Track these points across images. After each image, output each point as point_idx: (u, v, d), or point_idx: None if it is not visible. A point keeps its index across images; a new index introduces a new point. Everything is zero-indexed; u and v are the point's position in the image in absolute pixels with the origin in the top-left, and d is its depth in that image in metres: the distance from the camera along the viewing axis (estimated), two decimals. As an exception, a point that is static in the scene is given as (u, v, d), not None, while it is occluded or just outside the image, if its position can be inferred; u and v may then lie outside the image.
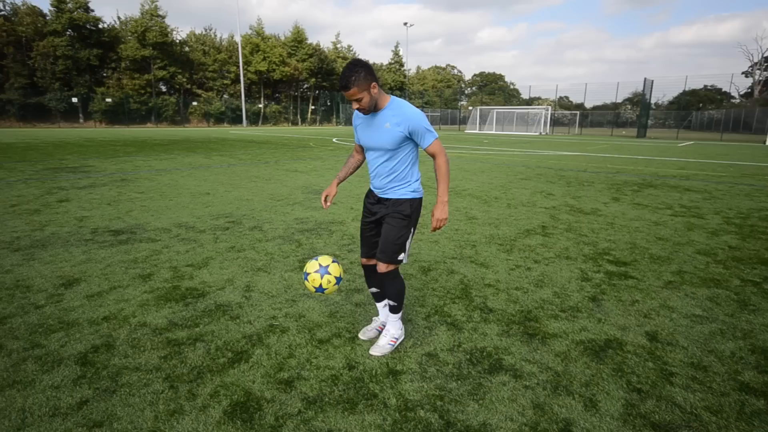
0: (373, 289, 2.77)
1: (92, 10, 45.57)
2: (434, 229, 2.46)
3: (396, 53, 71.12)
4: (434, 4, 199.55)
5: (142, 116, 48.33)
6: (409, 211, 2.49)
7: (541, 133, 40.68)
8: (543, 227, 5.50)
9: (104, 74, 48.05)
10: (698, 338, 2.77)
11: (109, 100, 45.34)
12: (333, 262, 2.54)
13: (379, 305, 2.80)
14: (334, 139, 25.32)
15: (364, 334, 2.75)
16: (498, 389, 2.24)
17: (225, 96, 55.02)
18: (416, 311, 3.12)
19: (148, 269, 3.86)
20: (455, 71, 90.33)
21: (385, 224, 2.51)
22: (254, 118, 55.22)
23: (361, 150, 2.71)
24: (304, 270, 2.54)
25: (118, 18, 55.77)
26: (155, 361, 2.44)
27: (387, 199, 2.52)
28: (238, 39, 51.55)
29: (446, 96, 71.07)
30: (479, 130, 45.45)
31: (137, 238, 4.82)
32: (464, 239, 4.93)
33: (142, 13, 48.20)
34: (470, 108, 54.96)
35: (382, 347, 2.59)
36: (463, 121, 52.83)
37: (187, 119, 51.57)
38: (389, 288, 2.58)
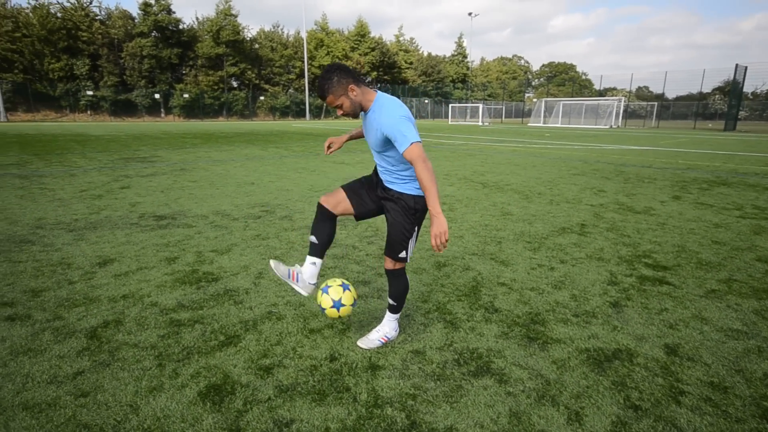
0: (313, 239, 2.47)
1: (174, 12, 49.09)
2: (436, 248, 2.07)
3: (459, 44, 69.64)
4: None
5: (215, 110, 51.44)
6: (413, 204, 2.34)
7: (611, 126, 38.03)
8: (582, 225, 5.13)
9: (183, 72, 51.61)
10: (727, 355, 2.44)
11: (186, 95, 48.74)
12: (344, 290, 2.45)
13: (310, 259, 2.47)
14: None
15: (275, 264, 2.41)
16: (477, 393, 2.12)
17: (290, 90, 57.02)
18: (417, 307, 3.03)
19: (175, 253, 4.09)
20: (522, 62, 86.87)
21: (390, 218, 2.40)
22: (317, 112, 56.76)
23: None
24: (318, 303, 2.46)
25: (196, 18, 59.61)
26: (153, 339, 2.58)
27: (391, 190, 2.40)
28: (303, 35, 53.12)
29: (511, 88, 68.57)
30: (543, 123, 43.40)
31: (176, 223, 5.13)
32: (491, 235, 4.72)
33: (217, 13, 51.13)
34: (535, 100, 52.57)
35: (371, 341, 2.54)
36: (528, 114, 50.70)
37: (255, 113, 54.14)
38: (393, 286, 2.49)
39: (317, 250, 2.47)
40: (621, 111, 39.50)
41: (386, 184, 2.43)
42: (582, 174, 9.24)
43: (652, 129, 35.33)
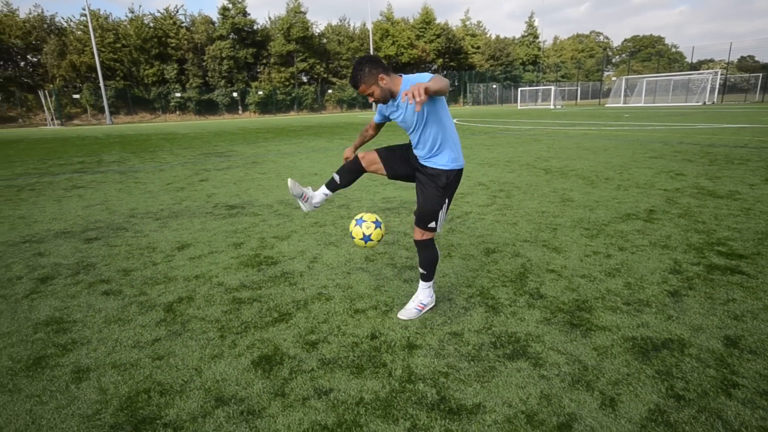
0: (336, 178, 2.79)
1: (249, 14, 51.86)
2: (407, 94, 1.99)
3: (530, 24, 66.29)
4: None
5: (286, 105, 53.84)
6: (445, 182, 2.54)
7: (705, 103, 34.30)
8: (650, 212, 4.81)
9: (258, 70, 54.52)
10: (798, 350, 2.23)
11: (261, 92, 51.51)
12: (376, 227, 2.75)
13: (324, 189, 2.83)
14: (455, 120, 24.99)
15: (291, 182, 2.77)
16: (510, 375, 2.15)
17: (357, 82, 57.96)
18: (460, 291, 3.09)
19: (242, 239, 4.47)
20: (601, 38, 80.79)
21: (421, 193, 2.61)
22: (383, 103, 57.24)
23: (376, 127, 2.84)
24: (350, 232, 2.82)
25: (269, 18, 62.41)
26: (218, 314, 2.89)
27: (425, 167, 2.59)
28: (369, 26, 53.62)
29: (587, 67, 64.10)
30: (624, 103, 40.21)
31: (244, 212, 5.57)
32: (547, 222, 4.60)
33: (287, 11, 53.20)
34: (614, 79, 48.74)
35: (408, 311, 2.74)
36: (606, 94, 47.23)
37: (324, 106, 55.87)
38: (422, 256, 2.70)
39: (334, 187, 2.84)
40: (717, 85, 35.44)
41: (422, 162, 2.61)
42: (659, 157, 8.54)
43: (755, 104, 31.39)
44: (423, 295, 2.76)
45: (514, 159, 9.08)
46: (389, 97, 2.44)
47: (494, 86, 59.43)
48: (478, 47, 64.12)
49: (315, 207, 2.88)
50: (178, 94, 49.03)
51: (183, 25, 50.93)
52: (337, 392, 2.08)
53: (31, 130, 35.28)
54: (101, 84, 41.84)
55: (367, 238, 2.74)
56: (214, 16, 51.60)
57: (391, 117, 2.64)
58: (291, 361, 2.34)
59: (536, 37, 66.57)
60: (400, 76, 2.45)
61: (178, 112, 49.93)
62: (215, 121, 43.30)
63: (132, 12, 49.89)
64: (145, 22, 48.28)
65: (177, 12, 50.80)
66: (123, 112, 47.16)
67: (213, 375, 2.24)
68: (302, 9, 53.33)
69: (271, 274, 3.54)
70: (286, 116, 48.20)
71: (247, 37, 51.68)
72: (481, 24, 66.92)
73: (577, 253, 3.70)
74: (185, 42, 49.74)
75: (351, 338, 2.55)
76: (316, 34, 55.96)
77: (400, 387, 2.10)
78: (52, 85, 44.58)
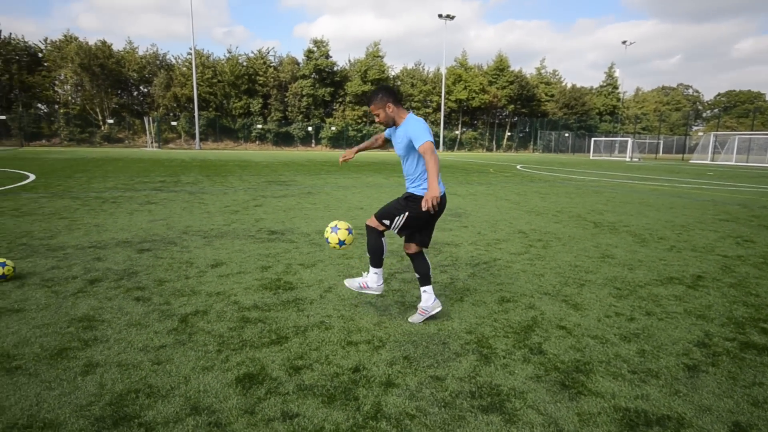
0: (370, 254, 3.26)
1: (331, 56, 55.64)
2: (426, 205, 2.74)
3: (610, 74, 64.49)
4: (675, 17, 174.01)
5: (356, 141, 55.98)
6: (407, 196, 3.11)
7: (811, 166, 30.79)
8: (697, 278, 4.42)
9: (333, 107, 57.72)
10: (820, 450, 1.94)
11: (333, 128, 54.30)
12: (349, 233, 3.30)
13: (373, 270, 3.28)
14: (518, 166, 24.59)
15: (348, 282, 3.37)
16: (477, 427, 2.08)
17: (427, 123, 59.23)
18: (458, 336, 3.03)
19: (270, 262, 4.73)
20: (689, 91, 76.41)
21: (393, 200, 3.21)
22: (450, 144, 57.81)
23: (384, 140, 3.38)
24: (326, 238, 3.32)
25: (349, 61, 66.39)
26: (223, 329, 3.08)
27: (409, 194, 3.14)
28: (443, 71, 55.16)
29: (672, 120, 60.57)
30: (711, 160, 37.25)
31: (283, 238, 5.88)
32: (576, 277, 4.38)
33: (366, 55, 56.37)
34: (701, 134, 45.50)
35: (415, 318, 3.24)
36: (692, 149, 44.13)
37: (392, 145, 57.41)
38: (414, 264, 3.23)
39: (376, 262, 3.26)
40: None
41: (408, 191, 3.15)
42: (731, 220, 7.81)
43: None
44: (424, 301, 3.21)
45: (565, 209, 8.76)
46: (391, 123, 3.06)
47: (567, 134, 57.86)
48: (552, 95, 63.28)
49: (381, 285, 3.33)
50: (259, 126, 53.09)
51: (271, 64, 55.66)
52: (301, 418, 2.13)
53: (133, 150, 39.76)
54: (196, 113, 46.52)
55: (342, 243, 3.24)
56: (300, 57, 55.78)
57: (390, 139, 3.21)
58: (271, 382, 2.44)
59: (615, 87, 64.49)
60: (408, 110, 3.09)
61: (257, 142, 53.87)
62: (289, 152, 46.09)
63: (229, 52, 55.49)
64: (239, 61, 53.46)
65: (268, 53, 55.81)
66: (211, 139, 51.78)
67: (198, 385, 2.39)
68: (380, 53, 56.27)
69: (285, 298, 3.70)
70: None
71: (327, 77, 55.21)
72: (556, 72, 66.23)
73: (597, 312, 3.49)
74: (271, 80, 54.20)
75: (335, 368, 2.60)
76: (391, 76, 58.45)
77: (363, 422, 2.11)
78: (155, 113, 50.30)
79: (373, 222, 3.18)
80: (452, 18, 52.51)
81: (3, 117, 43.68)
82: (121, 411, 2.15)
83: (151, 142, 46.69)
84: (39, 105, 49.39)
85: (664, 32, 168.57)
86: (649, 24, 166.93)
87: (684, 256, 5.29)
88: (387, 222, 3.12)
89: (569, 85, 66.95)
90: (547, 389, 2.41)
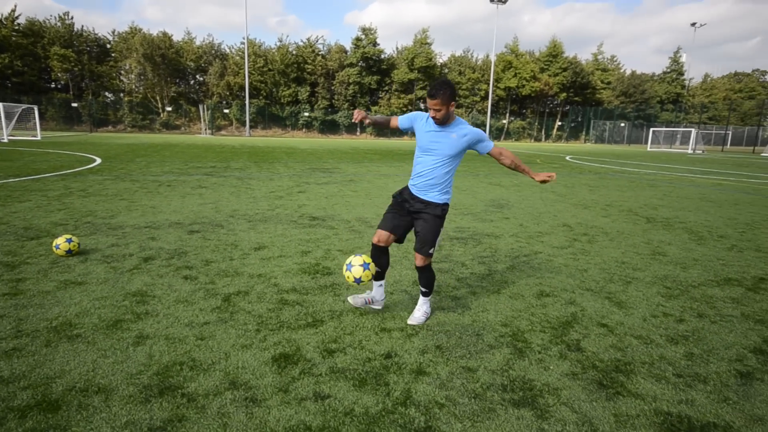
0: (377, 269, 3.06)
1: (378, 44, 55.45)
2: (549, 178, 2.91)
3: (675, 60, 60.15)
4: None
5: (401, 131, 55.87)
6: (441, 212, 2.98)
7: None
8: (759, 279, 4.10)
9: (379, 96, 57.67)
10: None
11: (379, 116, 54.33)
12: (364, 269, 2.96)
13: (376, 284, 3.13)
14: (567, 157, 23.61)
15: (353, 299, 3.11)
16: (507, 420, 2.05)
17: (473, 112, 58.02)
18: (493, 328, 2.99)
19: (311, 247, 4.84)
20: (766, 78, 69.85)
21: (422, 222, 2.97)
22: (497, 134, 56.33)
23: (396, 127, 3.15)
24: (345, 277, 3.02)
25: (396, 48, 65.92)
26: (262, 311, 3.20)
27: (423, 200, 2.97)
28: (492, 58, 53.58)
29: (744, 109, 55.77)
30: (789, 153, 34.01)
31: (324, 224, 6.00)
32: (622, 274, 4.18)
33: (414, 42, 55.71)
34: (777, 124, 41.60)
35: (417, 318, 3.08)
36: (766, 142, 40.53)
37: (438, 134, 56.70)
38: (423, 278, 3.06)
39: (380, 276, 3.14)
40: None
41: (418, 193, 2.99)
42: (806, 219, 7.14)
43: None
44: (426, 306, 3.14)
45: (615, 203, 8.34)
46: (446, 121, 2.85)
47: (622, 124, 54.77)
48: (609, 82, 59.93)
49: (383, 299, 3.21)
50: (306, 114, 54.02)
51: (320, 53, 56.27)
52: (332, 399, 2.19)
53: (188, 136, 41.70)
54: (247, 101, 48.02)
55: (358, 281, 2.94)
56: (348, 45, 56.00)
57: (420, 134, 2.97)
58: (305, 363, 2.52)
59: (681, 73, 60.12)
60: (456, 116, 2.91)
61: (304, 129, 54.89)
62: (334, 140, 46.66)
63: (280, 41, 56.65)
64: (290, 50, 54.43)
65: (317, 41, 56.45)
66: (260, 127, 53.34)
67: (237, 361, 2.51)
68: (428, 40, 55.42)
69: (322, 283, 3.79)
70: (399, 140, 50.03)
71: (374, 65, 55.13)
72: (615, 58, 62.54)
73: (643, 311, 3.33)
74: (319, 68, 54.85)
75: (367, 353, 2.64)
76: (439, 64, 57.51)
77: (392, 408, 2.14)
78: (209, 101, 52.37)
79: (421, 260, 2.97)
80: (504, 2, 50.72)
81: (75, 104, 47.05)
82: (167, 381, 2.30)
83: (205, 129, 48.74)
84: (106, 93, 52.75)
85: (743, 12, 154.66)
86: (726, 3, 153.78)
87: (746, 256, 4.91)
88: (432, 251, 2.98)
89: (628, 72, 63.18)
90: (583, 387, 2.33)
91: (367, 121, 3.14)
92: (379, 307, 3.20)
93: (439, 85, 2.75)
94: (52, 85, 50.62)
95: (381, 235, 3.05)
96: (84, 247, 4.57)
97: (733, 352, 2.74)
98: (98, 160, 14.10)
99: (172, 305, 3.24)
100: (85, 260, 4.17)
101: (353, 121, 3.16)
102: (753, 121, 52.94)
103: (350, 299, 3.11)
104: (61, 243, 4.20)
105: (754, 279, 4.13)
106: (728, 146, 44.93)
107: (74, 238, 4.30)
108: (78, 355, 2.52)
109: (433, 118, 2.82)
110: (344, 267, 3.02)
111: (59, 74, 48.70)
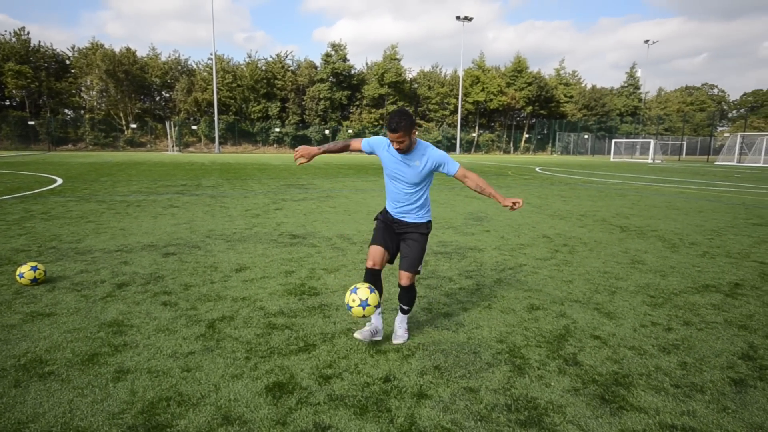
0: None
1: (348, 60, 55.85)
2: (514, 205, 2.82)
3: (631, 75, 63.29)
4: (703, 14, 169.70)
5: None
6: (427, 230, 3.02)
7: None
8: (735, 285, 4.24)
9: (350, 111, 57.91)
10: None
11: (350, 131, 54.43)
12: (371, 292, 2.76)
13: (377, 311, 2.95)
14: (537, 169, 24.25)
15: (361, 335, 2.92)
16: (515, 443, 2.00)
17: (443, 126, 59.02)
18: (489, 345, 2.95)
19: (294, 267, 4.71)
20: (714, 91, 74.40)
21: (410, 241, 2.98)
22: (467, 147, 57.43)
23: (358, 148, 3.07)
24: (346, 303, 2.79)
25: (366, 64, 66.56)
26: (250, 336, 3.06)
27: (407, 222, 2.98)
28: (460, 73, 54.89)
29: (696, 121, 59.05)
30: (738, 161, 36.14)
31: (305, 242, 5.87)
32: (607, 284, 4.25)
33: (383, 58, 56.43)
34: (727, 135, 44.22)
35: (402, 336, 3.03)
36: (717, 151, 42.93)
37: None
38: (408, 296, 2.99)
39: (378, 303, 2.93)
40: None
41: (399, 217, 2.99)
42: (766, 224, 7.52)
43: None
44: (406, 322, 3.09)
45: (589, 213, 8.57)
46: (409, 149, 2.79)
47: (586, 136, 56.91)
48: (571, 96, 62.36)
49: (382, 328, 3.03)
50: (277, 129, 53.59)
51: (290, 69, 56.17)
52: (334, 430, 2.09)
53: (155, 154, 40.52)
54: (215, 118, 47.20)
55: (364, 303, 2.71)
56: (318, 61, 56.19)
57: (384, 161, 2.93)
58: (301, 391, 2.40)
59: (637, 87, 63.23)
60: (416, 139, 2.83)
61: (275, 145, 54.35)
62: (307, 155, 46.31)
63: (249, 57, 56.26)
64: (259, 65, 54.10)
65: (286, 57, 56.36)
66: (230, 143, 52.46)
67: (228, 393, 2.37)
68: (398, 56, 56.28)
69: (310, 304, 3.67)
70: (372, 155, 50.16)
71: (344, 81, 55.42)
72: (576, 73, 65.29)
73: (632, 321, 3.37)
74: (289, 83, 54.67)
75: (365, 378, 2.55)
76: (408, 79, 58.38)
77: (397, 436, 2.05)
78: (177, 117, 51.22)
79: (407, 279, 2.92)
80: (470, 20, 52.22)
81: (32, 122, 45.05)
82: (153, 419, 2.14)
83: (172, 146, 47.54)
84: (66, 110, 50.81)
85: (690, 30, 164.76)
86: (675, 22, 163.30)
87: (718, 262, 5.10)
88: (420, 268, 3.01)
89: (589, 86, 65.91)
90: (587, 403, 2.31)
91: (319, 153, 3.04)
92: (380, 338, 2.98)
93: (398, 118, 2.67)
94: (7, 102, 48.40)
95: (375, 254, 2.95)
96: (50, 274, 4.29)
97: (724, 359, 2.80)
98: (59, 181, 13.46)
99: (153, 335, 3.05)
100: (52, 289, 3.91)
101: (296, 165, 3.08)
102: (705, 132, 56.07)
103: (357, 335, 2.92)
104: (25, 271, 3.93)
105: (730, 285, 4.27)
106: (684, 156, 47.29)
107: (39, 266, 4.03)
108: (52, 395, 2.32)
109: (398, 150, 2.77)
110: (348, 292, 2.81)
111: (14, 91, 46.63)
